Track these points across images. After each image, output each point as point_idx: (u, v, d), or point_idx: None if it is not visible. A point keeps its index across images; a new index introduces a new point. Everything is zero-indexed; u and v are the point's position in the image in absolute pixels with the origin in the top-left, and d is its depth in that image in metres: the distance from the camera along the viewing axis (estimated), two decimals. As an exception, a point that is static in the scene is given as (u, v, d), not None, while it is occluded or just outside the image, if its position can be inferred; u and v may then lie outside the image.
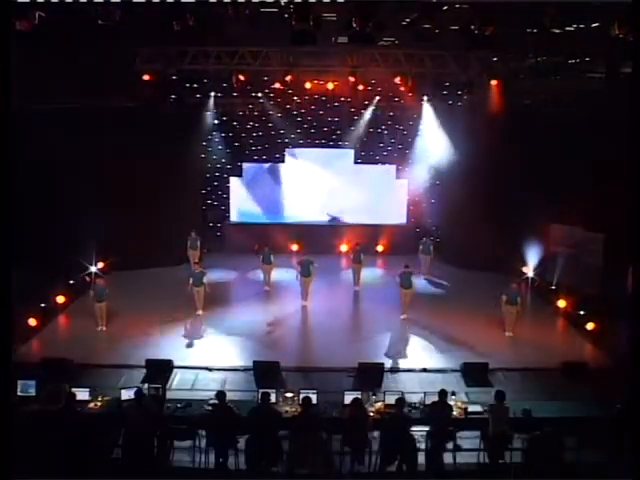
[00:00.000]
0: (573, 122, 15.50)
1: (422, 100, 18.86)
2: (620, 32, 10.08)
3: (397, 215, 20.78)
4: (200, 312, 14.49)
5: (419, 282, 16.08)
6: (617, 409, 8.97)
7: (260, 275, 16.77)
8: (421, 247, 17.93)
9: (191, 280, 14.47)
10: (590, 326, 13.56)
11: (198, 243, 17.63)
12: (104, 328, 13.47)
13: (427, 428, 8.78)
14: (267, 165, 20.52)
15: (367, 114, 19.78)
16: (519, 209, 16.75)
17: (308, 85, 17.63)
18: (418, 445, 8.45)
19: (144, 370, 11.27)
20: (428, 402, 9.31)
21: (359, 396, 9.18)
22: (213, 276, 16.12)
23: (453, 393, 9.77)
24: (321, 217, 20.60)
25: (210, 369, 11.63)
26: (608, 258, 15.23)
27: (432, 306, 15.31)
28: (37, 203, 15.12)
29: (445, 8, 10.99)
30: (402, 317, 14.44)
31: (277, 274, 16.89)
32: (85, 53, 13.18)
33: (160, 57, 15.13)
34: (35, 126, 13.58)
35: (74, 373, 10.94)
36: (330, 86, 17.68)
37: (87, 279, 16.15)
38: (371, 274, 17.79)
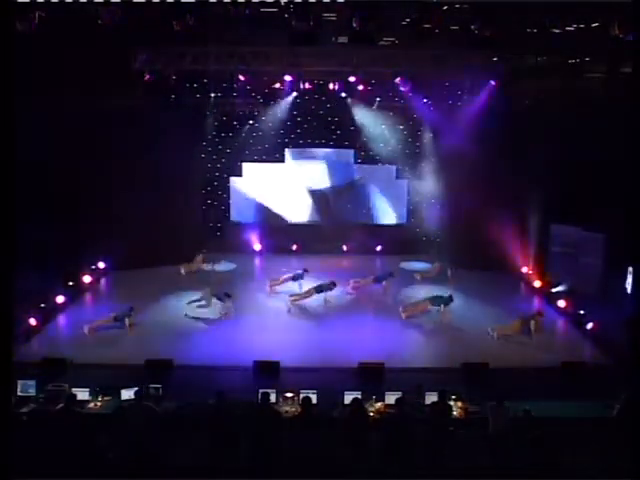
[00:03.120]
0: (573, 122, 15.50)
1: (422, 100, 18.86)
2: (620, 32, 10.08)
3: (397, 215, 20.79)
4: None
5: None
6: (617, 409, 8.97)
7: (260, 274, 16.77)
8: (434, 253, 17.69)
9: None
10: (590, 326, 13.56)
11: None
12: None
13: (427, 428, 8.78)
14: (267, 165, 20.52)
15: (367, 114, 19.78)
16: (519, 209, 16.78)
17: (308, 85, 17.62)
18: (418, 445, 8.45)
19: (144, 370, 11.27)
20: (428, 402, 9.31)
21: (359, 396, 9.18)
22: (212, 276, 16.13)
23: (453, 393, 9.77)
24: (321, 217, 20.64)
25: (210, 369, 11.63)
26: (608, 258, 15.24)
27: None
28: (37, 203, 15.11)
29: (445, 8, 10.99)
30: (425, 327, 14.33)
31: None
32: (85, 53, 13.17)
33: (160, 57, 15.12)
34: (35, 126, 13.56)
35: (74, 373, 10.94)
36: (330, 86, 17.67)
37: (87, 279, 16.18)
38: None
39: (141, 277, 16.95)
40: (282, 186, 20.60)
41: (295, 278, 15.92)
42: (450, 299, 14.42)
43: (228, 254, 19.20)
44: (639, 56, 9.42)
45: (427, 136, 20.01)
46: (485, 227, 16.58)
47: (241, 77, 16.46)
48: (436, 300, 14.50)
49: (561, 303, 15.07)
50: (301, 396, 9.06)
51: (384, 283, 16.25)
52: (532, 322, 13.37)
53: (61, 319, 14.44)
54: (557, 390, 10.91)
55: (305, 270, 16.07)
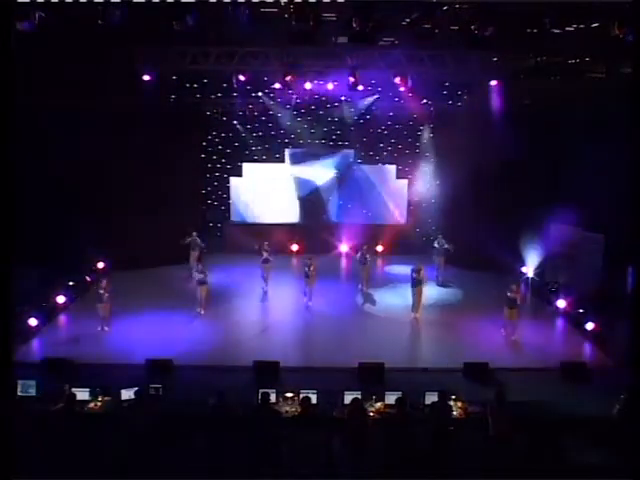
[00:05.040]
0: (573, 122, 15.50)
1: (422, 100, 18.86)
2: (620, 32, 10.07)
3: (397, 215, 20.79)
4: (202, 311, 14.53)
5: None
6: (617, 409, 8.97)
7: (260, 275, 16.76)
8: (436, 248, 17.69)
9: (195, 279, 14.62)
10: (590, 326, 13.56)
11: (198, 243, 17.62)
12: (106, 329, 13.48)
13: (427, 428, 8.78)
14: (267, 165, 20.52)
15: (367, 114, 19.77)
16: (519, 209, 16.77)
17: (308, 85, 17.63)
18: (418, 445, 8.45)
19: (144, 370, 11.27)
20: (428, 402, 9.31)
21: (359, 396, 9.18)
22: (213, 276, 16.11)
23: (453, 393, 9.77)
24: (321, 217, 20.65)
25: (210, 369, 11.63)
26: (608, 258, 15.23)
27: (432, 306, 15.31)
28: (38, 203, 15.12)
29: (445, 8, 10.98)
30: (413, 316, 14.47)
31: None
32: (85, 53, 13.16)
33: (160, 57, 15.13)
34: (36, 126, 13.58)
35: (74, 373, 10.93)
36: (330, 86, 17.67)
37: (87, 279, 16.18)
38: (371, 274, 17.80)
39: (141, 277, 16.96)
40: (282, 186, 20.62)
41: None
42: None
43: (228, 254, 19.20)
44: (639, 56, 9.39)
45: (427, 136, 20.01)
46: (485, 227, 16.58)
47: (241, 77, 16.45)
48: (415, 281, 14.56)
49: (561, 303, 15.07)
50: (301, 396, 9.07)
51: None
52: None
53: (61, 319, 14.44)
54: (557, 390, 10.91)
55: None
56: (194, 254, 17.45)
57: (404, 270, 17.47)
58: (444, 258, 17.57)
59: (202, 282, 14.57)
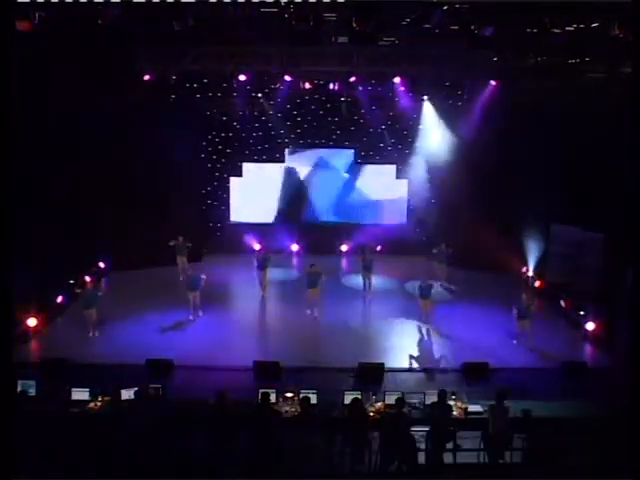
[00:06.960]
0: (573, 122, 15.50)
1: (422, 100, 18.85)
2: (620, 32, 10.06)
3: (397, 215, 20.78)
4: (200, 313, 14.49)
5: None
6: (617, 409, 8.98)
7: (257, 281, 16.69)
8: (436, 254, 17.56)
9: (186, 284, 14.59)
10: (590, 326, 13.57)
11: (186, 248, 17.37)
12: (97, 334, 13.41)
13: (427, 428, 8.78)
14: (267, 165, 20.51)
15: (367, 114, 19.76)
16: (519, 209, 16.77)
17: (308, 85, 17.62)
18: (418, 445, 8.45)
19: (144, 370, 11.27)
20: (428, 402, 9.32)
21: (359, 396, 9.19)
22: (213, 276, 16.11)
23: (453, 393, 9.78)
24: (321, 217, 20.65)
25: (210, 369, 11.64)
26: (608, 258, 15.24)
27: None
28: (37, 203, 15.11)
29: (445, 8, 10.96)
30: (425, 327, 14.23)
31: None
32: (85, 53, 13.16)
33: (160, 57, 15.12)
34: (35, 126, 13.56)
35: (74, 373, 10.94)
36: (330, 86, 17.67)
37: (87, 279, 16.18)
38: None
39: (141, 277, 16.96)
40: (282, 186, 20.61)
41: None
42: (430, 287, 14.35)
43: (228, 254, 19.20)
44: (639, 56, 9.39)
45: (427, 136, 19.98)
46: (485, 227, 16.58)
47: (241, 77, 16.44)
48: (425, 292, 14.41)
49: (561, 303, 15.07)
50: (301, 396, 9.07)
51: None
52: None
53: (61, 319, 14.44)
54: (557, 390, 10.91)
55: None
56: (182, 259, 17.31)
57: (404, 270, 17.53)
58: (445, 264, 17.44)
59: (192, 288, 14.40)
